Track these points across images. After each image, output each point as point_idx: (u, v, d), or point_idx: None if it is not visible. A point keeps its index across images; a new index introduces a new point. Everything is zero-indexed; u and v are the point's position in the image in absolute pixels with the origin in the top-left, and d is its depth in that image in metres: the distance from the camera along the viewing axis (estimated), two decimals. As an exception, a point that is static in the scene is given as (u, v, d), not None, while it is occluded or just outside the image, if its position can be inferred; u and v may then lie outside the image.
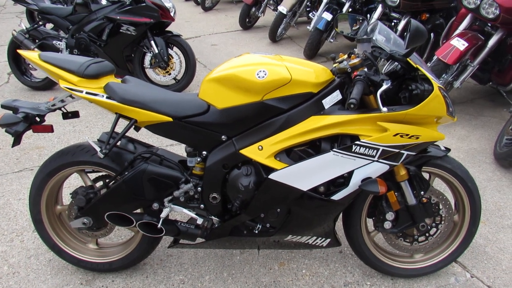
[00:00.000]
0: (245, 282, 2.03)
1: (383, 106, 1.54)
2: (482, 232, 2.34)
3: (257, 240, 1.90)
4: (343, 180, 1.68)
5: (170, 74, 4.33)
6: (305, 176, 1.64)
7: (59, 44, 4.30)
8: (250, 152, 1.67)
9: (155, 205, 1.82)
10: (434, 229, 1.91)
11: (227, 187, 1.76)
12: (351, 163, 1.62)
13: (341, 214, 1.92)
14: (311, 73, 1.64)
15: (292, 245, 1.91)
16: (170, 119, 1.72)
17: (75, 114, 1.97)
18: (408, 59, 1.61)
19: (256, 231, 1.81)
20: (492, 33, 3.41)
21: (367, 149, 1.59)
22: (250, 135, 1.68)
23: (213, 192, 1.77)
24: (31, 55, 1.81)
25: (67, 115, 1.95)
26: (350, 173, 1.65)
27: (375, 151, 1.60)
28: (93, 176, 1.99)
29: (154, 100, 1.73)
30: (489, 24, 3.45)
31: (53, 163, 1.89)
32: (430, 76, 1.57)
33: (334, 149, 1.60)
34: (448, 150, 1.85)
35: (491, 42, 3.38)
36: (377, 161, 1.62)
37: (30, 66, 4.62)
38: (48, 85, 4.67)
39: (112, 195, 1.83)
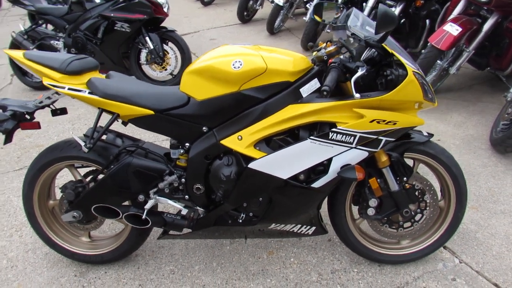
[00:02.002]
0: (233, 271, 2.06)
1: (357, 92, 1.54)
2: (474, 218, 2.33)
3: (243, 230, 1.93)
4: (323, 167, 1.69)
5: (166, 69, 4.37)
6: (284, 164, 1.65)
7: (57, 43, 4.37)
8: (230, 142, 1.69)
9: (141, 197, 1.86)
10: (419, 215, 1.91)
11: (210, 177, 1.78)
12: (329, 151, 1.63)
13: (326, 202, 1.94)
14: (287, 62, 1.65)
15: (278, 233, 1.93)
16: (152, 112, 1.74)
17: (63, 111, 2.01)
18: (383, 44, 1.61)
19: (240, 220, 1.83)
20: (488, 17, 3.36)
21: (344, 136, 1.60)
22: (230, 125, 1.70)
23: (196, 183, 1.80)
24: (16, 54, 1.85)
25: (55, 112, 1.98)
26: (329, 161, 1.66)
27: (352, 137, 1.60)
28: (84, 171, 2.03)
29: (136, 94, 1.76)
30: (485, 8, 3.39)
31: (43, 159, 1.94)
32: (404, 61, 1.56)
33: (311, 137, 1.61)
34: (431, 135, 1.85)
35: (486, 26, 3.33)
36: (355, 147, 1.63)
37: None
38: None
39: (99, 189, 1.87)
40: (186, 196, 1.85)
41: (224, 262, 2.12)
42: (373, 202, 1.82)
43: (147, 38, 4.17)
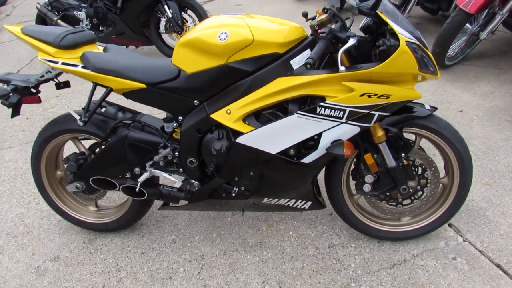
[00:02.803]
0: (232, 243, 2.09)
1: (351, 63, 1.46)
2: (486, 195, 2.21)
3: (239, 203, 1.93)
4: (314, 142, 1.64)
5: (186, 38, 4.33)
6: (272, 139, 1.62)
7: (79, 14, 4.43)
8: (219, 116, 1.67)
9: (137, 170, 1.90)
10: (420, 192, 1.84)
11: (202, 151, 1.79)
12: (318, 126, 1.57)
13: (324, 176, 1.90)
14: (277, 32, 1.58)
15: (273, 207, 1.92)
16: (144, 85, 1.74)
17: (66, 84, 2.05)
18: (378, 12, 1.50)
19: (233, 194, 1.84)
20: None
21: (333, 111, 1.53)
22: (219, 99, 1.68)
23: (189, 156, 1.81)
24: (14, 29, 1.89)
25: (59, 85, 2.03)
26: (319, 136, 1.60)
27: (342, 112, 1.54)
28: (90, 143, 2.08)
29: (128, 68, 1.76)
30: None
31: (46, 132, 2.01)
32: (397, 30, 1.45)
33: (298, 112, 1.55)
34: (434, 109, 1.74)
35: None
36: (345, 122, 1.56)
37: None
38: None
39: (98, 161, 1.93)
40: (180, 169, 1.87)
41: (223, 233, 2.16)
42: (369, 178, 1.77)
43: (166, 7, 4.14)
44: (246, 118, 1.65)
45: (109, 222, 2.18)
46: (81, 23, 4.47)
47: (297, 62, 1.59)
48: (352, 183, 1.90)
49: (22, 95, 1.90)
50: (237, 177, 1.79)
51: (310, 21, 1.65)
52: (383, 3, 1.58)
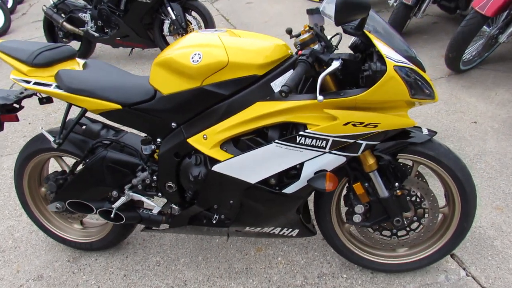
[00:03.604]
0: (217, 268, 1.99)
1: (321, 93, 1.31)
2: (495, 221, 2.02)
3: (224, 229, 1.82)
4: (296, 171, 1.51)
5: (190, 40, 4.23)
6: (250, 168, 1.49)
7: (84, 16, 4.38)
8: (195, 141, 1.55)
9: (115, 193, 1.81)
10: (416, 223, 1.68)
11: (180, 176, 1.68)
12: (298, 155, 1.43)
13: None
14: (256, 52, 1.44)
15: (257, 235, 1.80)
16: (119, 106, 1.64)
17: (49, 100, 1.97)
18: (366, 31, 1.34)
19: (214, 221, 1.72)
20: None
21: (314, 140, 1.39)
22: (196, 123, 1.56)
23: (168, 180, 1.70)
24: (-10, 44, 1.82)
25: (42, 101, 1.95)
26: (302, 165, 1.47)
27: (324, 142, 1.39)
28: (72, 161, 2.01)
29: (102, 88, 1.66)
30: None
31: (26, 150, 1.94)
32: (384, 53, 1.29)
33: (277, 141, 1.42)
34: (433, 133, 1.57)
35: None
36: (329, 152, 1.42)
37: (64, 40, 4.79)
38: (81, 56, 4.82)
39: (76, 182, 1.85)
40: (159, 194, 1.77)
41: (210, 257, 2.05)
42: (359, 208, 1.62)
43: (169, 9, 4.04)
44: (224, 144, 1.53)
45: (93, 241, 2.11)
46: (86, 25, 4.42)
47: (278, 85, 1.45)
48: (344, 209, 1.76)
49: (1, 113, 1.84)
50: (216, 205, 1.67)
51: (295, 38, 1.51)
52: (373, 20, 1.42)
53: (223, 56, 1.42)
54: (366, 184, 1.59)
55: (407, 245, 1.75)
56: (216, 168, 1.52)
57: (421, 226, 1.68)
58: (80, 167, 1.87)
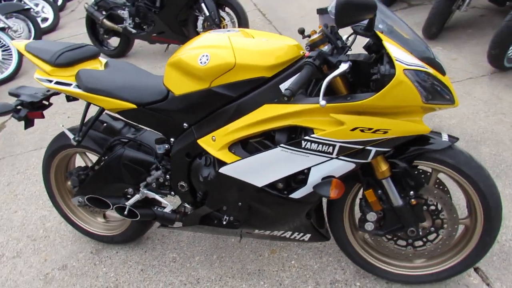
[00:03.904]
0: (230, 267, 1.99)
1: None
2: (530, 234, 1.87)
3: (236, 230, 1.81)
4: (304, 176, 1.47)
5: (223, 37, 4.24)
6: (257, 171, 1.47)
7: (123, 13, 4.51)
8: (205, 142, 1.55)
9: (130, 190, 1.85)
10: (434, 234, 1.59)
11: (191, 176, 1.69)
12: (304, 160, 1.39)
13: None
14: (265, 54, 1.41)
15: (270, 237, 1.78)
16: (134, 106, 1.68)
17: (75, 97, 2.04)
18: (377, 32, 1.27)
19: (224, 222, 1.72)
20: None
21: (320, 145, 1.34)
22: (206, 124, 1.56)
23: (180, 180, 1.72)
24: (19, 45, 1.91)
25: (69, 98, 2.03)
26: (309, 170, 1.43)
27: (331, 147, 1.34)
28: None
29: (118, 88, 1.70)
30: None
31: (52, 146, 2.04)
32: (394, 56, 1.21)
33: (282, 145, 1.39)
34: (454, 139, 1.47)
35: None
36: (336, 158, 1.37)
37: (105, 36, 4.97)
38: (121, 52, 4.99)
39: (96, 178, 1.91)
40: (172, 193, 1.79)
41: (224, 256, 2.06)
42: (371, 216, 1.55)
43: (203, 5, 4.06)
44: (232, 146, 1.52)
45: (115, 235, 2.18)
46: (124, 22, 4.55)
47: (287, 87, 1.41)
48: (358, 215, 1.69)
49: (29, 109, 1.93)
50: (225, 206, 1.67)
51: (307, 38, 1.46)
52: (388, 18, 1.34)
53: (230, 58, 1.40)
54: (380, 191, 1.52)
55: (424, 256, 1.66)
56: (223, 170, 1.51)
57: (439, 237, 1.59)
58: (97, 164, 1.93)
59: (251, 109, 1.44)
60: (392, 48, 1.23)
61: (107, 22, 4.64)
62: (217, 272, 1.98)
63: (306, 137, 1.35)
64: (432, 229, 1.58)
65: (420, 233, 1.55)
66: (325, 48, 1.34)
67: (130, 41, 4.93)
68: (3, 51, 5.09)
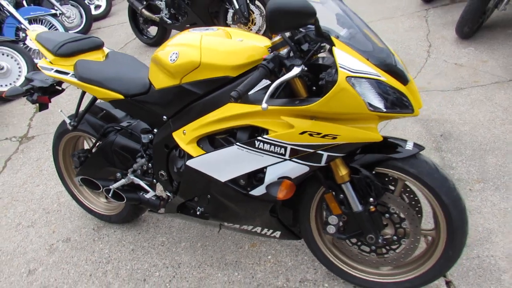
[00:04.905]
0: (211, 256, 2.07)
1: (269, 99, 1.27)
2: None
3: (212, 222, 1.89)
4: (263, 175, 1.50)
5: (251, 29, 4.29)
6: (219, 166, 1.53)
7: (159, 3, 4.68)
8: (177, 135, 1.64)
9: (118, 175, 1.99)
10: (396, 244, 1.56)
11: (169, 166, 1.78)
12: (260, 160, 1.43)
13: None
14: (231, 54, 1.45)
15: (244, 232, 1.83)
16: (122, 96, 1.79)
17: None
18: (333, 37, 1.27)
19: (198, 213, 1.80)
20: None
21: (273, 146, 1.37)
22: (180, 118, 1.64)
23: (160, 169, 1.82)
24: (32, 35, 2.09)
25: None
26: (266, 169, 1.46)
27: (283, 149, 1.37)
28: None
29: (108, 78, 1.82)
30: None
31: (59, 129, 2.22)
32: (339, 62, 1.21)
33: (238, 143, 1.43)
34: (419, 148, 1.43)
35: None
36: (290, 160, 1.39)
37: (145, 25, 5.19)
38: (158, 41, 5.19)
39: (91, 161, 2.07)
40: (154, 180, 1.90)
41: (208, 245, 2.15)
42: (332, 220, 1.56)
43: (233, -2, 4.12)
44: (200, 141, 1.59)
45: (112, 215, 2.35)
46: (161, 12, 4.73)
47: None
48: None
49: (42, 93, 2.11)
50: (197, 198, 1.75)
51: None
52: (354, 23, 1.34)
53: (196, 57, 1.46)
54: (341, 196, 1.52)
55: (390, 264, 1.64)
56: (189, 162, 1.58)
57: (402, 247, 1.56)
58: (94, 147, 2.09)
59: (216, 106, 1.50)
60: (340, 54, 1.22)
61: (146, 12, 4.85)
62: (198, 259, 2.07)
63: (259, 138, 1.38)
64: (395, 238, 1.55)
65: (380, 240, 1.53)
66: (284, 51, 1.36)
67: (166, 31, 5.11)
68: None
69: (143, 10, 4.86)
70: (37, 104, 2.15)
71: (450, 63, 3.32)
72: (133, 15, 5.25)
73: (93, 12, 6.99)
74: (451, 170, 2.26)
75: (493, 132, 2.48)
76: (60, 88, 2.17)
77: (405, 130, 2.67)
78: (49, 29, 5.37)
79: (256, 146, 1.40)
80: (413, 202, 1.55)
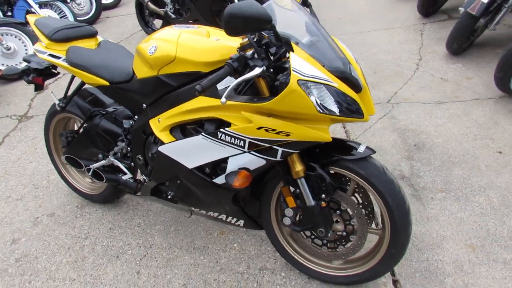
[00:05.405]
0: (181, 240, 2.20)
1: (233, 95, 1.40)
2: (460, 258, 1.88)
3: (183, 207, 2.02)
4: (226, 165, 1.63)
5: (251, 30, 4.40)
6: (186, 154, 1.66)
7: (166, -2, 4.82)
8: (153, 123, 1.77)
9: (100, 156, 2.12)
10: (345, 239, 1.68)
11: (145, 151, 1.91)
12: (222, 150, 1.55)
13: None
14: (203, 51, 1.58)
15: (209, 217, 1.95)
16: (107, 83, 1.92)
17: None
18: (293, 43, 1.39)
19: (169, 197, 1.93)
20: None
21: (233, 139, 1.50)
22: (156, 107, 1.77)
23: (137, 153, 1.95)
24: (31, 20, 2.23)
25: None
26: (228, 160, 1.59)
27: (242, 142, 1.49)
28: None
29: (96, 65, 1.95)
30: None
31: (50, 110, 2.36)
32: (293, 66, 1.33)
33: (203, 133, 1.56)
34: (370, 151, 1.55)
35: None
36: (248, 152, 1.51)
37: (151, 18, 5.33)
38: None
39: (77, 141, 2.20)
40: (132, 164, 2.03)
41: (180, 229, 2.28)
42: (288, 212, 1.68)
43: (235, -2, 4.25)
44: (173, 130, 1.72)
45: (94, 194, 2.48)
46: (166, 6, 4.87)
47: (220, 83, 1.58)
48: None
49: (37, 75, 2.25)
50: (167, 182, 1.87)
51: None
52: (311, 28, 1.46)
53: (172, 51, 1.59)
54: (298, 190, 1.64)
55: (341, 258, 1.76)
56: (161, 148, 1.71)
57: (350, 243, 1.68)
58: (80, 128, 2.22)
59: (188, 98, 1.62)
60: (295, 59, 1.34)
61: (151, 5, 4.99)
62: (169, 242, 2.20)
63: (222, 130, 1.51)
64: (344, 234, 1.67)
65: (329, 235, 1.65)
66: (250, 52, 1.48)
67: (170, 25, 5.24)
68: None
69: (149, 3, 5.01)
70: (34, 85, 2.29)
71: (436, 77, 3.42)
72: (140, 7, 5.39)
73: (103, 1, 7.15)
74: (417, 179, 2.37)
75: (464, 146, 2.59)
76: (55, 72, 2.30)
77: (382, 138, 2.78)
78: (58, 14, 5.53)
79: (219, 137, 1.52)
80: (366, 203, 1.66)
